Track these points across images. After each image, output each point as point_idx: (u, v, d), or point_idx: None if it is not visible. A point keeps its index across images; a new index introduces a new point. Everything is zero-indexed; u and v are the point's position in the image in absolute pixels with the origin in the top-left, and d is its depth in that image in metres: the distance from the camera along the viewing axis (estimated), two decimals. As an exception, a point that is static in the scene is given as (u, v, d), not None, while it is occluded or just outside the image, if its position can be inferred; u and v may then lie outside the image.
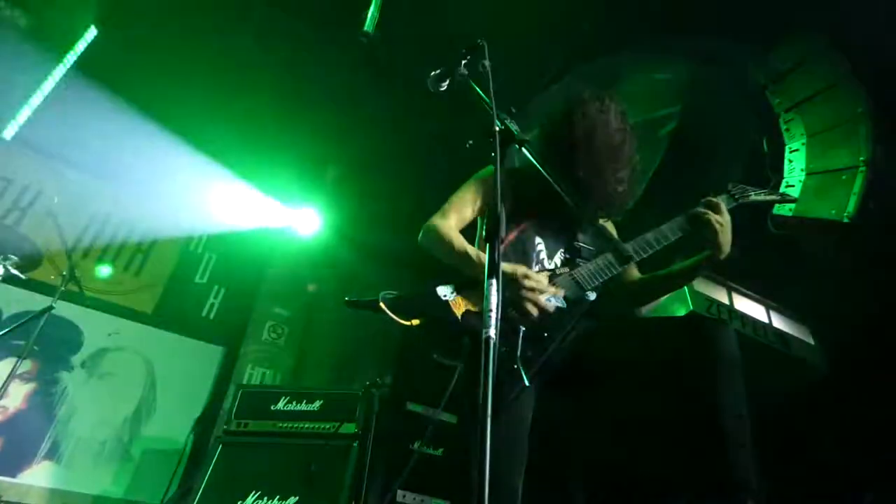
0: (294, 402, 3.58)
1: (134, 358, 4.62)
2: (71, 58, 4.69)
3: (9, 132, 4.46)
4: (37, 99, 4.63)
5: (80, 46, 4.68)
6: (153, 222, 5.20)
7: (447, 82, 1.74)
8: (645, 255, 1.82)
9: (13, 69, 4.59)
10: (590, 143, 1.87)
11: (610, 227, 2.12)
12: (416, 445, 3.54)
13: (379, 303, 1.61)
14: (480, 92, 1.63)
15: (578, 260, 1.86)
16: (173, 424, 4.40)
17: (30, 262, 3.21)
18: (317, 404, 3.56)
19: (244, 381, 4.86)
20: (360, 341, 5.34)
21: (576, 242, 1.92)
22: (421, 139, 4.61)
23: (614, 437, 3.42)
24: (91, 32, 4.64)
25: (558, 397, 1.87)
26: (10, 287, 4.12)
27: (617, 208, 1.96)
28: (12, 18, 4.46)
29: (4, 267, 3.05)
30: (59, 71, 4.69)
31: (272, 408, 3.57)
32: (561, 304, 1.67)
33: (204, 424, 4.30)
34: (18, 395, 4.06)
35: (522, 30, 3.63)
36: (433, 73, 1.76)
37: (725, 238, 1.77)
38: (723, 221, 1.79)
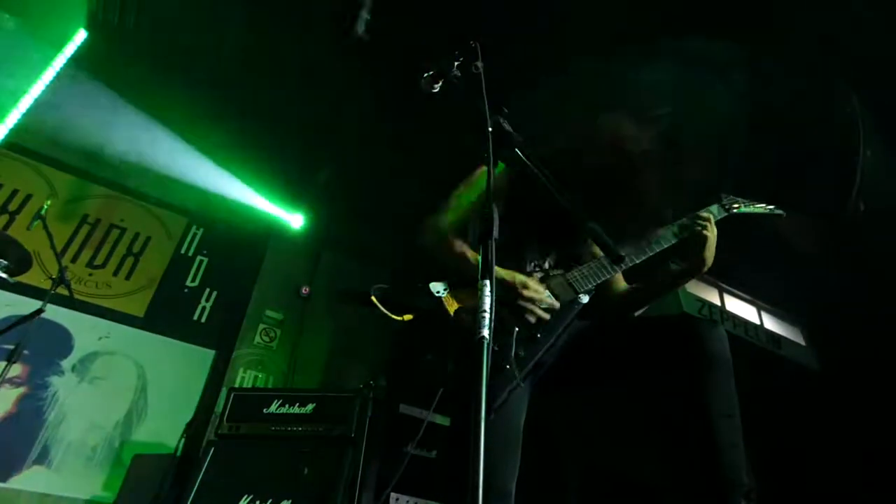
0: (287, 405, 3.56)
1: (125, 362, 4.58)
2: (60, 60, 4.66)
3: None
4: (26, 102, 4.60)
5: (70, 49, 4.65)
6: (145, 224, 5.19)
7: (440, 84, 1.75)
8: (638, 261, 1.83)
9: (1, 73, 4.56)
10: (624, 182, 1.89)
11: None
12: (409, 448, 3.53)
13: (370, 296, 1.61)
14: (473, 93, 1.63)
15: (571, 263, 1.88)
16: (165, 429, 4.36)
17: (19, 265, 3.18)
18: (310, 407, 3.54)
19: (236, 385, 4.83)
20: (353, 344, 5.33)
21: (570, 245, 1.93)
22: (416, 140, 4.61)
23: (607, 437, 3.43)
24: (80, 35, 4.61)
25: (551, 398, 1.87)
26: (0, 291, 4.10)
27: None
28: (0, 21, 4.43)
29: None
30: (49, 74, 4.66)
31: (264, 411, 3.55)
32: (554, 305, 1.68)
33: (195, 428, 4.27)
34: (8, 399, 4.02)
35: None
36: (425, 74, 1.76)
37: (710, 253, 1.82)
38: (710, 237, 1.83)
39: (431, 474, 3.49)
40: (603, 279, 1.81)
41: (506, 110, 1.64)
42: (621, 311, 2.00)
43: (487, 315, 1.03)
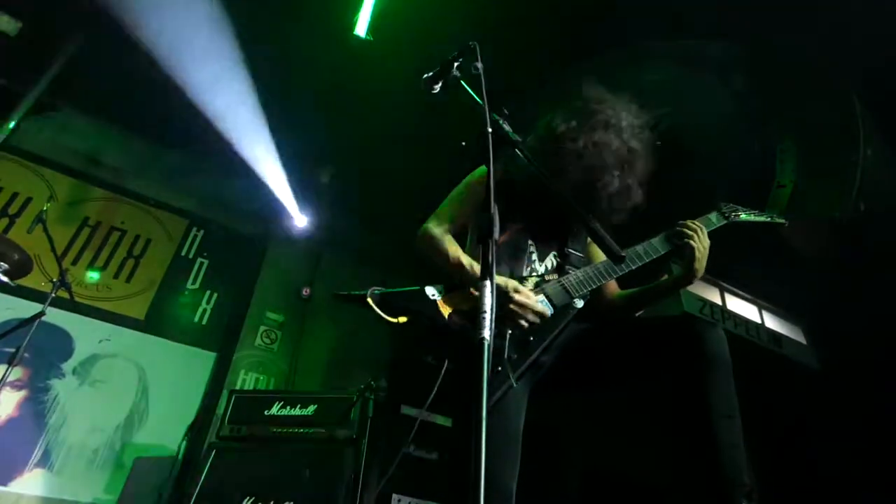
0: (288, 407, 3.56)
1: (125, 365, 4.58)
2: (58, 65, 4.65)
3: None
4: (26, 104, 4.60)
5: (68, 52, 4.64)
6: (146, 226, 5.20)
7: (440, 84, 1.75)
8: (634, 267, 1.83)
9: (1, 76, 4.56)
10: (592, 153, 1.86)
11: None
12: (410, 449, 3.53)
13: (367, 298, 1.61)
14: (473, 94, 1.63)
15: (568, 267, 1.87)
16: (166, 431, 4.37)
17: (19, 268, 3.18)
18: (311, 409, 3.54)
19: (237, 387, 4.83)
20: (354, 346, 5.33)
21: (567, 248, 1.93)
22: (417, 142, 4.59)
23: (607, 437, 3.43)
24: (78, 39, 4.61)
25: (551, 400, 1.87)
26: (1, 294, 4.10)
27: (615, 217, 1.94)
28: (1, 25, 4.42)
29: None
30: (47, 77, 4.66)
31: (266, 413, 3.55)
32: (548, 309, 1.69)
33: (197, 431, 4.27)
34: (10, 402, 4.03)
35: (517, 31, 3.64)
36: (426, 74, 1.76)
37: (701, 264, 1.82)
38: (702, 248, 1.82)
39: (433, 475, 3.49)
40: (599, 283, 1.81)
41: (505, 111, 1.64)
42: (616, 316, 2.00)
43: (488, 316, 1.03)
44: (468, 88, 1.65)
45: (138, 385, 4.55)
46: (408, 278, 1.74)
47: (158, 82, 4.43)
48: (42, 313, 3.17)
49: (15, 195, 4.70)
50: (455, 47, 1.73)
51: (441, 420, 3.69)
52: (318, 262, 5.81)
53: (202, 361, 4.92)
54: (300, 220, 5.59)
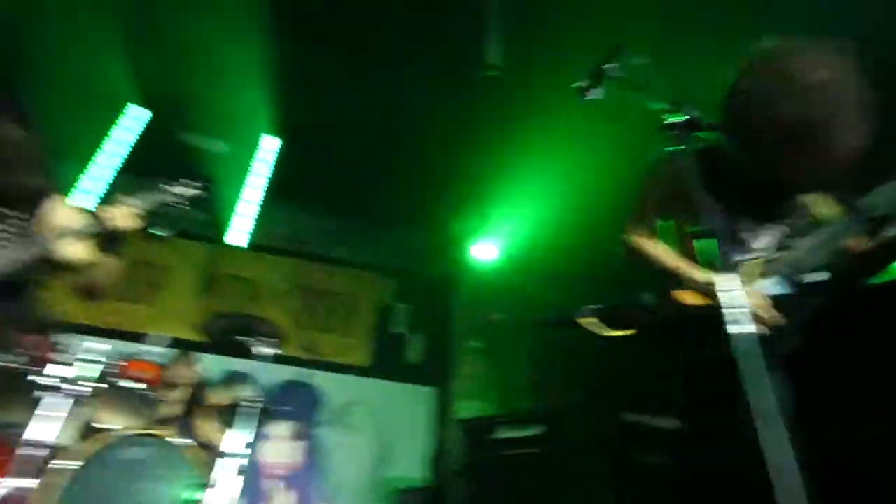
0: (514, 430, 3.68)
1: (365, 409, 5.20)
2: (260, 165, 5.41)
3: (234, 238, 5.32)
4: (243, 207, 5.44)
5: (265, 155, 5.38)
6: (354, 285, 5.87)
7: (599, 89, 1.64)
8: (870, 219, 1.56)
9: (219, 183, 5.37)
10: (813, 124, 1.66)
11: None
12: (639, 455, 3.45)
13: (580, 319, 1.65)
14: (639, 92, 1.59)
15: (790, 239, 1.70)
16: (411, 465, 4.93)
17: (274, 339, 3.77)
18: (535, 428, 3.62)
19: (458, 417, 5.12)
20: (551, 361, 5.36)
21: (784, 220, 1.75)
22: (592, 153, 4.41)
23: (864, 423, 2.99)
24: (272, 142, 5.33)
25: (804, 382, 1.72)
26: (269, 364, 4.89)
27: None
28: (218, 150, 5.24)
29: (257, 347, 3.63)
30: (254, 179, 5.43)
31: (494, 437, 3.71)
32: (780, 290, 1.55)
33: (436, 461, 4.62)
34: (296, 451, 4.77)
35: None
36: (581, 83, 1.65)
37: None
38: None
39: (664, 482, 3.37)
40: (830, 248, 1.60)
41: (679, 100, 1.57)
42: (859, 279, 1.76)
43: (730, 311, 1.01)
44: (633, 88, 1.60)
45: (381, 426, 5.15)
46: (589, 288, 1.75)
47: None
48: (306, 375, 3.69)
49: (253, 280, 5.54)
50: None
51: (667, 423, 3.55)
52: (509, 287, 5.95)
53: (424, 397, 5.44)
54: (483, 251, 5.85)
